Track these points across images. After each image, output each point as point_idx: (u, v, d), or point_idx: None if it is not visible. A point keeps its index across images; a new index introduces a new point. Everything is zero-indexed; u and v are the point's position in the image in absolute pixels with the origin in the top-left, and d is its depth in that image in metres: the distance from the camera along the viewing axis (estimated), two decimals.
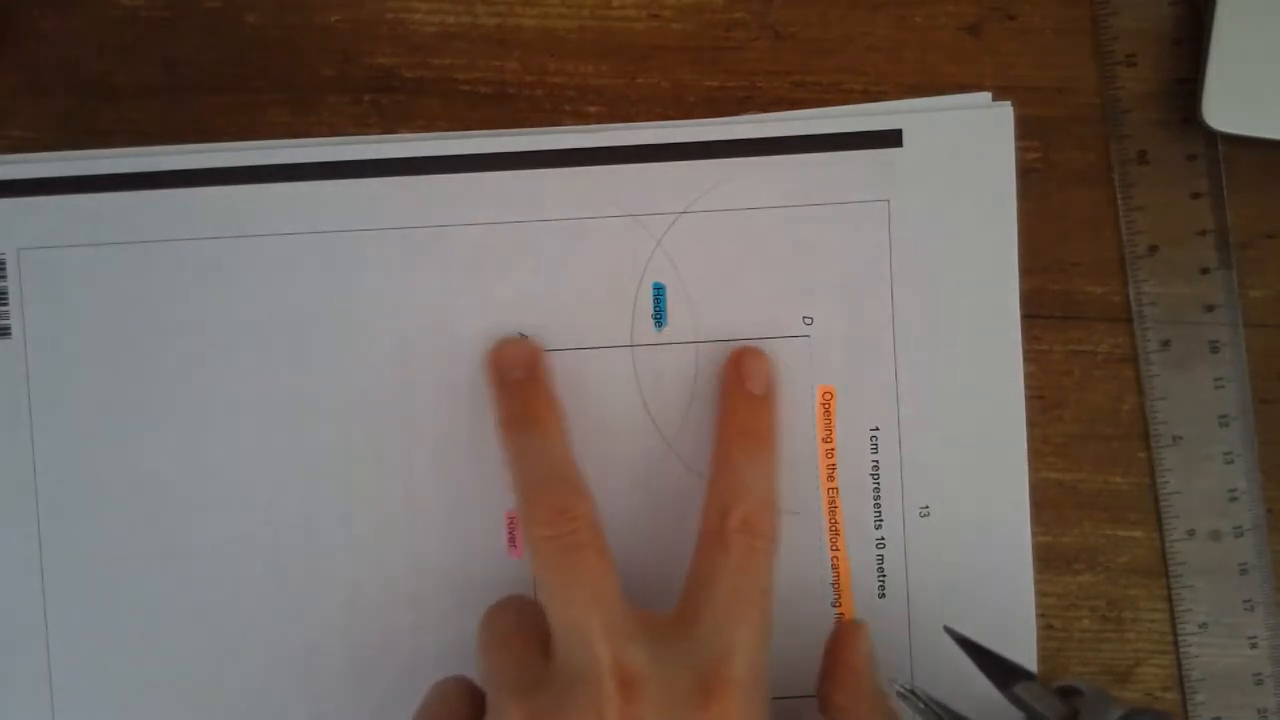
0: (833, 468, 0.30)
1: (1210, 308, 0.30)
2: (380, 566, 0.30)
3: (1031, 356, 0.31)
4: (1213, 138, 0.30)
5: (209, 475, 0.30)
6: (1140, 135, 0.30)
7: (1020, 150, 0.30)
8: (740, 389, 0.29)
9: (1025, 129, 0.30)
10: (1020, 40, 0.30)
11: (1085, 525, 0.31)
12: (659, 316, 0.30)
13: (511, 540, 0.30)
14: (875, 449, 0.30)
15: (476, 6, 0.30)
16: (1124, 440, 0.31)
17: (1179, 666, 0.31)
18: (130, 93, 0.30)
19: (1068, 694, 0.26)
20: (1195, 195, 0.30)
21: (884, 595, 0.30)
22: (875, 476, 0.30)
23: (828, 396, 0.30)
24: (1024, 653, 0.30)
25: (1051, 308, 0.31)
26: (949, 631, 0.28)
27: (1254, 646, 0.30)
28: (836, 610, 0.30)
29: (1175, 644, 0.31)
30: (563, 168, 0.30)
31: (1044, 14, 0.30)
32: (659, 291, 0.30)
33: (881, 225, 0.30)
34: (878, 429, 0.30)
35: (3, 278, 0.29)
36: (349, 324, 0.30)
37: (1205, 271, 0.30)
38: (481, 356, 0.30)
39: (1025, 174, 0.30)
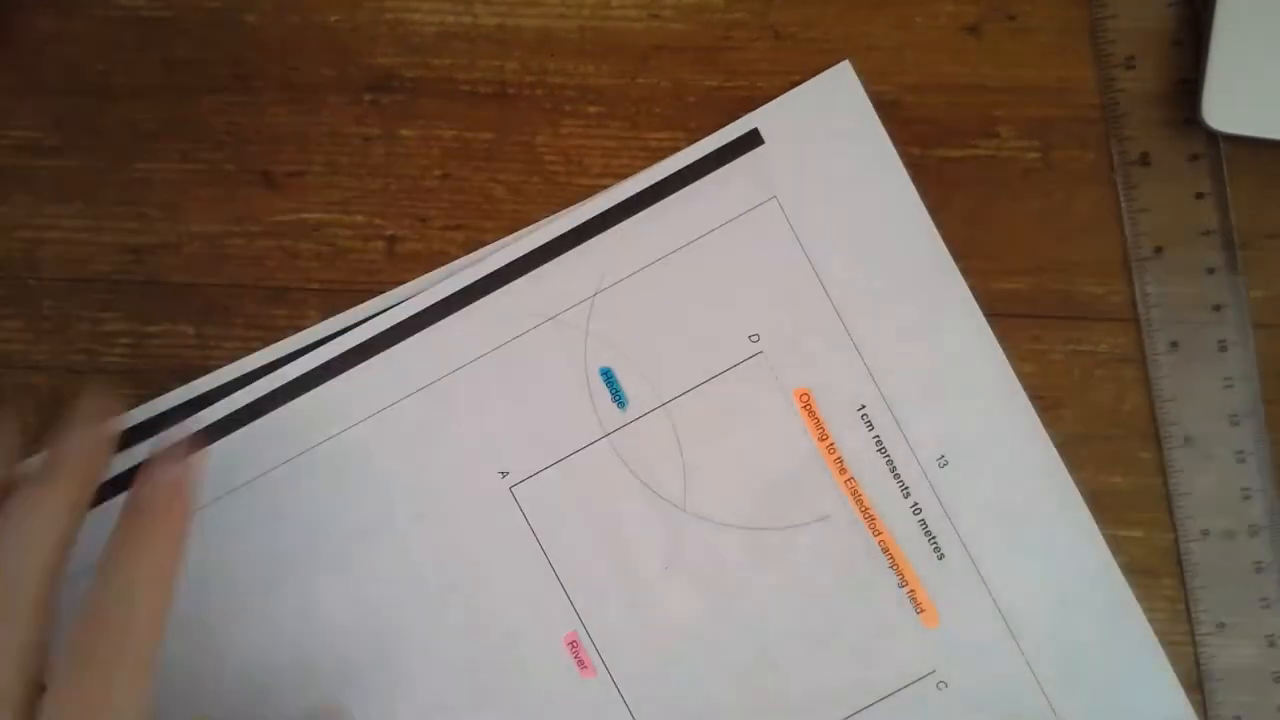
0: (839, 460, 0.30)
1: (1217, 307, 0.30)
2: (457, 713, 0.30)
3: (1031, 356, 0.30)
4: (1215, 138, 0.30)
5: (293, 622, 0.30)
6: (1142, 137, 0.30)
7: (1020, 150, 0.30)
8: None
9: (1025, 129, 0.30)
10: (1020, 40, 0.30)
11: None
12: (618, 397, 0.30)
13: (580, 662, 0.30)
14: (870, 425, 0.30)
15: (476, 6, 0.30)
16: (1124, 440, 0.30)
17: (1197, 666, 0.30)
18: (130, 93, 0.30)
19: None
20: (1199, 195, 0.30)
21: (943, 555, 0.30)
22: (882, 450, 0.30)
23: (805, 398, 0.30)
24: (1101, 565, 0.30)
25: (1051, 308, 0.30)
26: None
27: (1272, 644, 0.30)
28: (906, 591, 0.30)
29: (1193, 643, 0.30)
30: (464, 308, 0.30)
31: (1044, 14, 0.30)
32: (608, 375, 0.30)
33: (780, 221, 0.30)
34: (864, 406, 0.30)
35: None
36: (378, 504, 0.30)
37: (1211, 271, 0.30)
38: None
39: (1025, 174, 0.30)
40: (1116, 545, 0.30)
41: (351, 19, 0.30)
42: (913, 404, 0.30)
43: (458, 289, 0.30)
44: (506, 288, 0.30)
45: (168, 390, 0.30)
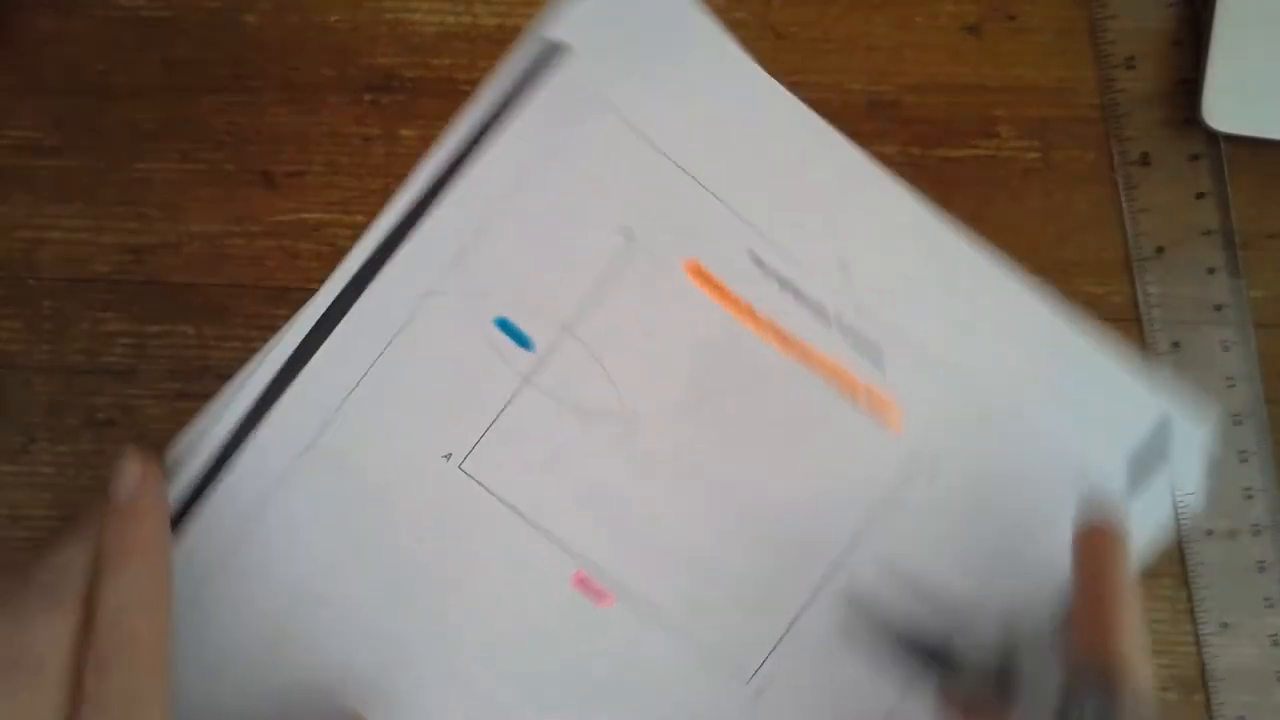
0: (750, 310, 0.30)
1: (1219, 307, 0.30)
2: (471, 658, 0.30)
3: None
4: (1215, 138, 0.30)
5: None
6: (1142, 137, 0.30)
7: (1020, 150, 0.30)
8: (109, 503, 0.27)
9: (1025, 129, 0.30)
10: (1020, 40, 0.30)
11: None
12: (522, 341, 0.30)
13: (597, 594, 0.30)
14: (763, 265, 0.30)
15: (476, 6, 0.30)
16: None
17: (1200, 666, 0.30)
18: (130, 92, 0.30)
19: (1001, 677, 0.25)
20: (1199, 195, 0.30)
21: (883, 363, 0.29)
22: (785, 285, 0.30)
23: (695, 266, 0.30)
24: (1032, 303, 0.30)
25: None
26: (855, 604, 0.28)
27: (1275, 644, 0.30)
28: (863, 407, 0.29)
29: (1196, 643, 0.30)
30: (348, 313, 0.29)
31: (1044, 14, 0.30)
32: (504, 324, 0.30)
33: (614, 113, 0.29)
34: (752, 251, 0.30)
35: None
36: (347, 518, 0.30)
37: (1212, 271, 0.30)
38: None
39: (1025, 174, 0.30)
40: None
41: (351, 19, 0.30)
42: (797, 230, 0.30)
43: (338, 294, 0.29)
44: (377, 279, 0.29)
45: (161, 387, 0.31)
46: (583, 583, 0.30)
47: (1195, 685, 0.30)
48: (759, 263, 0.30)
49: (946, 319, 0.30)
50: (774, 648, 0.30)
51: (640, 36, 0.30)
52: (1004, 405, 0.29)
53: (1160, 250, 0.30)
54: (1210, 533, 0.30)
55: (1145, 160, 0.30)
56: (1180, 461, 0.29)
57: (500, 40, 0.30)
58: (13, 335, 0.31)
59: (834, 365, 0.30)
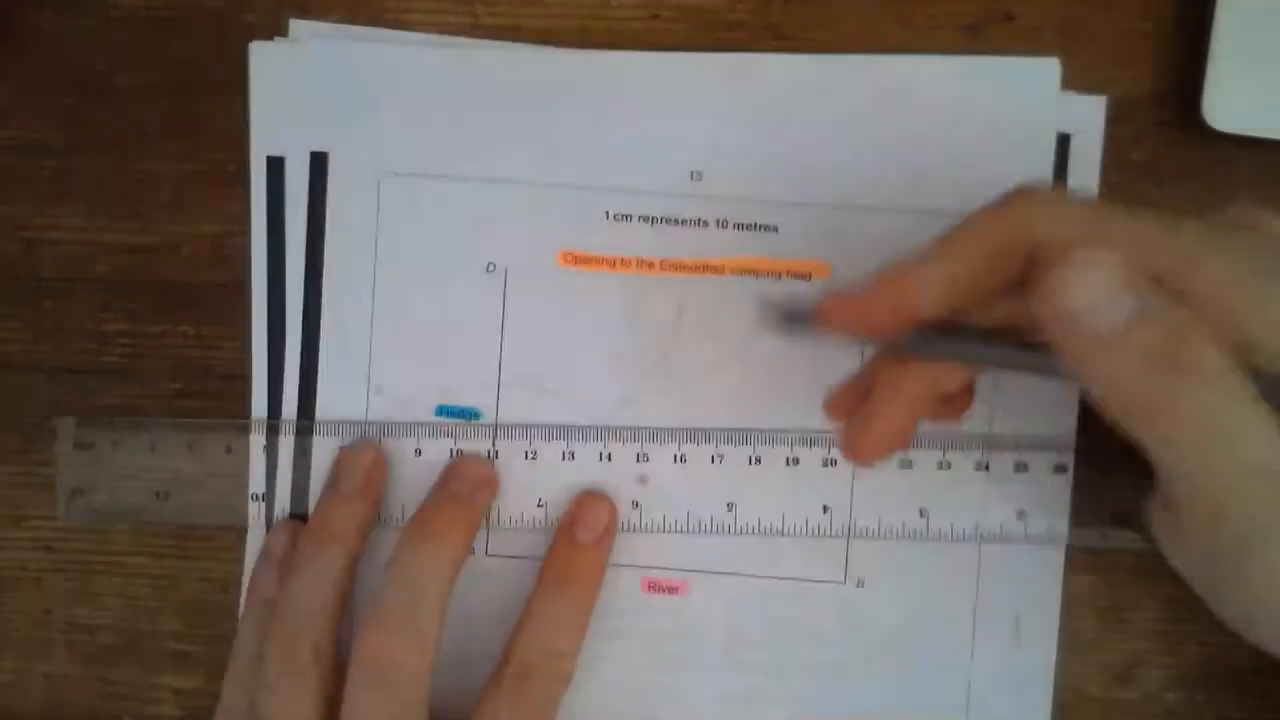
0: (645, 263, 0.30)
1: None
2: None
3: None
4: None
5: None
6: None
7: None
8: (568, 534, 0.29)
9: None
10: (1020, 40, 0.30)
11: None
12: (470, 414, 0.30)
13: (670, 590, 0.30)
14: (620, 216, 0.30)
15: (476, 6, 0.30)
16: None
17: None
18: (130, 93, 0.30)
19: None
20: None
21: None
22: None
23: (567, 256, 0.30)
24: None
25: None
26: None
27: None
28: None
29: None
30: None
31: (1044, 14, 0.30)
32: (444, 410, 0.30)
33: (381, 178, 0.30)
34: (603, 208, 0.30)
35: None
36: None
37: None
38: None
39: None
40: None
41: (352, 19, 0.30)
42: (629, 166, 0.30)
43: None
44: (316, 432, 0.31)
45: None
46: (652, 585, 0.30)
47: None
48: (621, 216, 0.30)
49: (810, 162, 0.30)
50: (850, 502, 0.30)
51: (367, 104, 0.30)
52: (904, 204, 0.29)
53: None
54: None
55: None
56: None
57: (500, 40, 0.30)
58: (13, 335, 0.31)
59: (742, 263, 0.30)
